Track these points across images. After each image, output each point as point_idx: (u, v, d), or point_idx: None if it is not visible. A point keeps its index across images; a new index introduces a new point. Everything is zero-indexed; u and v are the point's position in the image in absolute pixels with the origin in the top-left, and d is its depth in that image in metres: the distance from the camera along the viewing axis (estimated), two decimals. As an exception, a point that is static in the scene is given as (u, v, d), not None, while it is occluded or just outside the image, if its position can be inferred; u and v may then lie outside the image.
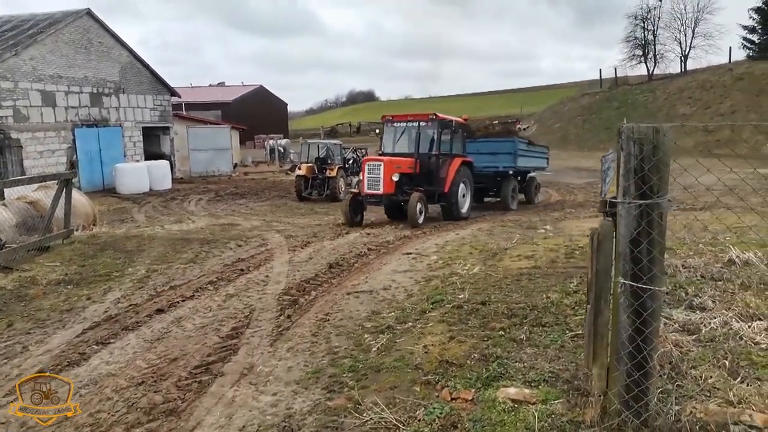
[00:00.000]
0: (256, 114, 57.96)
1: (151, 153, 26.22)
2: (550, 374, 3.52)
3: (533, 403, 3.18)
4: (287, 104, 74.96)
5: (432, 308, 5.19)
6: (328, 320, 5.18)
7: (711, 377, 3.23)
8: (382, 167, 11.51)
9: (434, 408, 3.27)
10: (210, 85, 72.28)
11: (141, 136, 25.58)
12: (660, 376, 3.29)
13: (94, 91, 22.73)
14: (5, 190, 12.58)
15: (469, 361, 3.86)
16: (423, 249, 8.22)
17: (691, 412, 2.89)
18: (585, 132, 43.85)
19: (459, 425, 3.07)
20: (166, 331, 5.14)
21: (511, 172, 15.22)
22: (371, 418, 3.25)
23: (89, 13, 22.49)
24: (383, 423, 3.19)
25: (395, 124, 13.03)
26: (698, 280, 5.08)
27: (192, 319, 5.44)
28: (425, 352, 4.11)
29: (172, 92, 27.70)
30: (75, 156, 21.29)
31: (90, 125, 22.60)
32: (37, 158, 20.13)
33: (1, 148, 19.20)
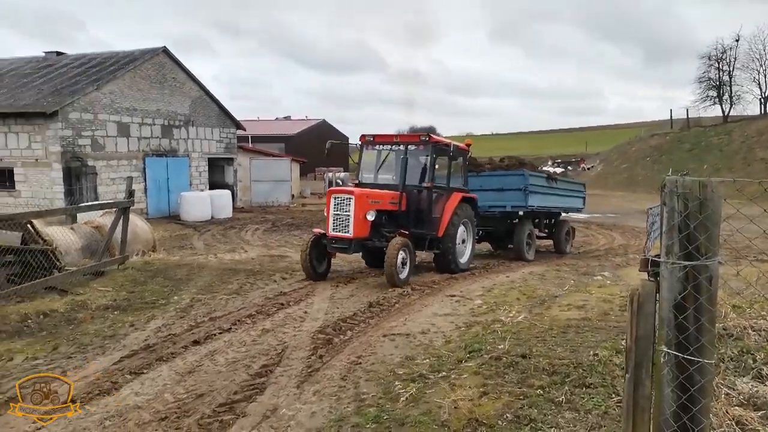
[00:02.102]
0: (317, 147, 59.39)
1: (216, 182, 27.25)
2: (587, 445, 3.20)
3: (565, 478, 2.88)
4: (349, 138, 76.58)
5: (469, 357, 4.93)
6: (360, 363, 5.02)
7: (775, 464, 2.83)
8: (352, 202, 8.62)
9: (455, 473, 3.03)
10: (276, 119, 75.02)
11: (207, 167, 26.68)
12: (714, 457, 2.92)
13: (165, 123, 24.02)
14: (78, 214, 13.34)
15: (500, 422, 3.59)
16: (468, 291, 7.94)
17: (749, 506, 2.51)
18: (654, 173, 42.06)
19: (480, 496, 2.81)
20: (198, 364, 5.13)
21: (521, 213, 12.51)
22: (387, 479, 3.04)
23: (165, 50, 23.97)
24: (399, 486, 2.97)
25: (377, 147, 10.27)
26: (768, 345, 4.57)
27: (225, 353, 5.42)
28: (454, 408, 3.86)
29: (238, 125, 28.86)
30: (144, 184, 22.51)
31: (160, 155, 23.81)
32: (110, 185, 21.32)
33: (79, 174, 20.51)
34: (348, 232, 8.66)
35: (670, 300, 2.44)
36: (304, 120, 69.53)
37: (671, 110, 50.70)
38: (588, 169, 58.62)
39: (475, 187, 11.83)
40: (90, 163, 20.67)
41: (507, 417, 3.65)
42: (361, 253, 9.66)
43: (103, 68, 22.67)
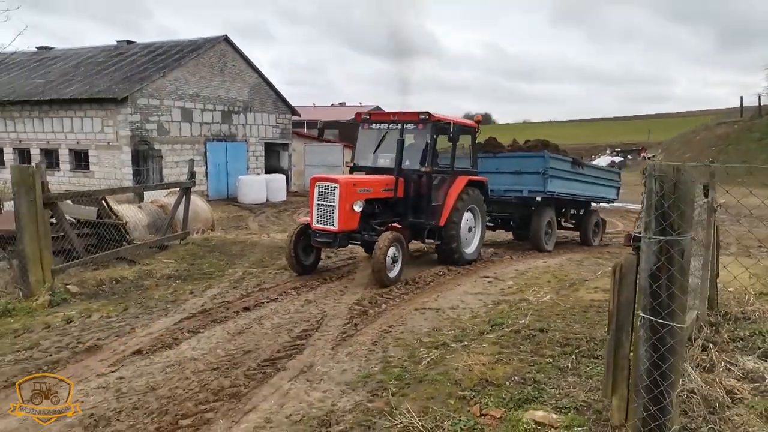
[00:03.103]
0: (371, 133, 59.88)
1: (271, 167, 28.36)
2: (583, 403, 3.55)
3: (556, 428, 3.26)
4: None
5: (491, 330, 5.31)
6: (390, 332, 5.49)
7: (753, 427, 3.10)
8: (337, 192, 7.70)
9: (460, 420, 3.45)
10: (332, 105, 76.10)
11: (263, 151, 27.79)
12: (695, 417, 3.22)
13: (225, 109, 25.17)
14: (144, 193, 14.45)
15: (507, 383, 3.98)
16: (501, 273, 8.26)
17: (715, 456, 2.82)
18: (718, 164, 40.18)
19: (478, 438, 3.23)
20: (247, 326, 5.75)
21: (538, 199, 11.55)
22: (401, 422, 3.50)
23: (226, 39, 25.06)
24: (411, 427, 3.43)
25: (373, 126, 9.20)
26: (782, 328, 4.71)
27: (271, 318, 6.02)
28: (469, 370, 4.27)
29: (293, 111, 29.80)
30: (205, 168, 23.79)
31: (220, 140, 25.03)
32: (174, 167, 22.67)
33: (146, 157, 21.93)
34: (332, 224, 7.75)
35: (647, 270, 2.76)
36: (358, 106, 70.22)
37: (741, 97, 47.76)
38: (649, 158, 56.62)
39: (490, 170, 11.12)
40: (156, 146, 22.05)
41: (515, 379, 4.03)
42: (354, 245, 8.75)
43: (168, 56, 23.98)
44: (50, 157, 23.20)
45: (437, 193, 8.77)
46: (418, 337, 5.28)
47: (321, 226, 7.88)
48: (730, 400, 3.45)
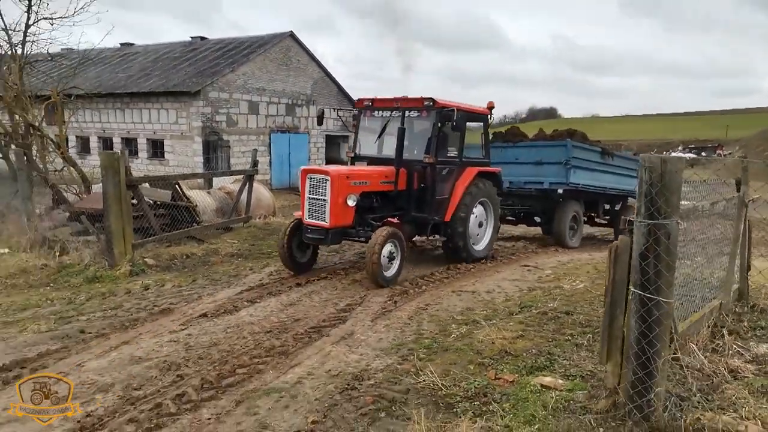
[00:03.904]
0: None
1: (331, 158, 29.28)
2: (589, 373, 3.91)
3: (560, 391, 3.64)
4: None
5: (519, 311, 5.68)
6: (426, 309, 5.97)
7: (743, 400, 3.37)
8: (328, 185, 7.13)
9: (476, 381, 3.90)
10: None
11: (324, 143, 28.76)
12: (690, 388, 3.52)
13: (289, 102, 26.25)
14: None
15: (524, 354, 4.38)
16: (542, 263, 8.53)
17: (698, 419, 3.13)
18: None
19: (488, 395, 3.67)
20: (298, 299, 6.39)
21: (560, 191, 10.61)
22: (424, 381, 3.98)
23: (291, 35, 26.10)
24: (431, 384, 3.91)
25: (375, 113, 8.54)
26: (805, 320, 4.83)
27: (320, 293, 6.64)
28: (492, 343, 4.69)
29: (354, 105, 30.55)
30: (269, 158, 24.97)
31: (283, 131, 26.15)
32: (240, 157, 23.96)
33: (215, 147, 23.32)
34: (324, 220, 7.18)
35: (638, 250, 3.13)
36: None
37: (831, 92, 44.46)
38: (725, 156, 53.81)
39: (509, 160, 10.64)
40: (225, 137, 23.39)
41: (532, 351, 4.42)
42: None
43: (237, 52, 25.28)
44: (130, 145, 25.06)
45: (443, 185, 8.11)
46: (451, 315, 5.73)
47: (312, 221, 7.32)
48: (731, 378, 3.71)
